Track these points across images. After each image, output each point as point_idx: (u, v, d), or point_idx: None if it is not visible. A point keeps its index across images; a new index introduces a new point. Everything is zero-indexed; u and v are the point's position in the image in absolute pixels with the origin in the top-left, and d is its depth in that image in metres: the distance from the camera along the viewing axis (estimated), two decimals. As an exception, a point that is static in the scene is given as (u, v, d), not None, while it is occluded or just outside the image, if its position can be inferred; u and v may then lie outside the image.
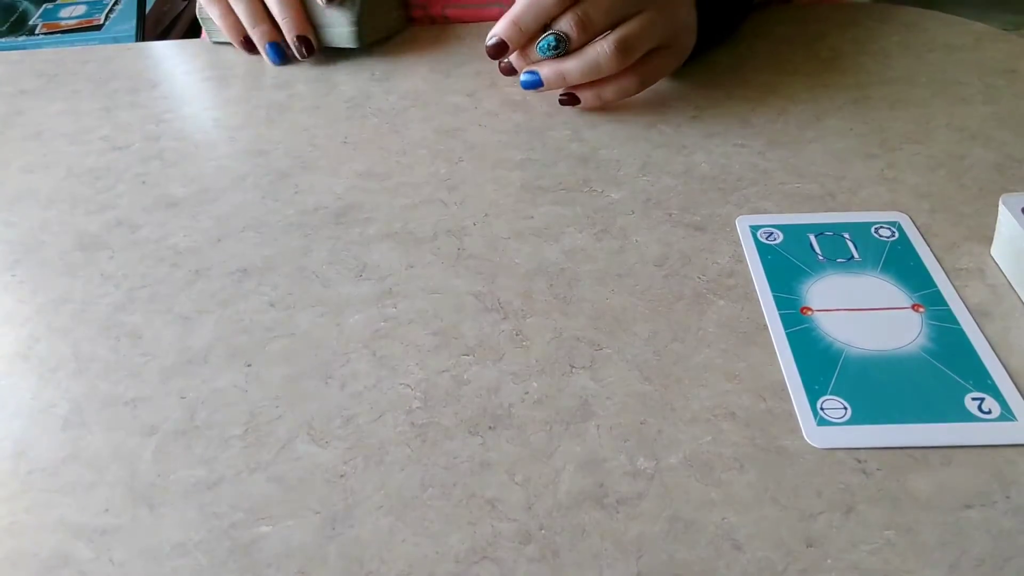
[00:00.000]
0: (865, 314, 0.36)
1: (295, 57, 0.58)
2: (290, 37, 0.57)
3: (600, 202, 0.44)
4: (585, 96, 0.50)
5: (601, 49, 0.47)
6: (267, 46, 0.58)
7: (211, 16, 0.59)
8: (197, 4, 0.61)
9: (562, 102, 0.51)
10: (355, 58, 0.60)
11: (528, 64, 0.50)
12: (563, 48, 0.47)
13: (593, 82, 0.49)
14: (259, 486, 0.31)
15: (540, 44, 0.47)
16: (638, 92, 0.51)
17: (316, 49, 0.57)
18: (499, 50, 0.49)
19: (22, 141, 0.54)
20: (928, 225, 0.41)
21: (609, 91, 0.50)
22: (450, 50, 0.60)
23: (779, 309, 0.37)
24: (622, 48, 0.47)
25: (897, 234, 0.41)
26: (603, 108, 0.52)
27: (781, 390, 0.33)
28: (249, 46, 0.59)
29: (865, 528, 0.28)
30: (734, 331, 0.36)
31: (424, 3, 0.63)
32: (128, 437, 0.33)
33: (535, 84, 0.49)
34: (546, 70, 0.49)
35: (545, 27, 0.48)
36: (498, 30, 0.48)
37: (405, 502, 0.30)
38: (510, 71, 0.51)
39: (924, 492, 0.29)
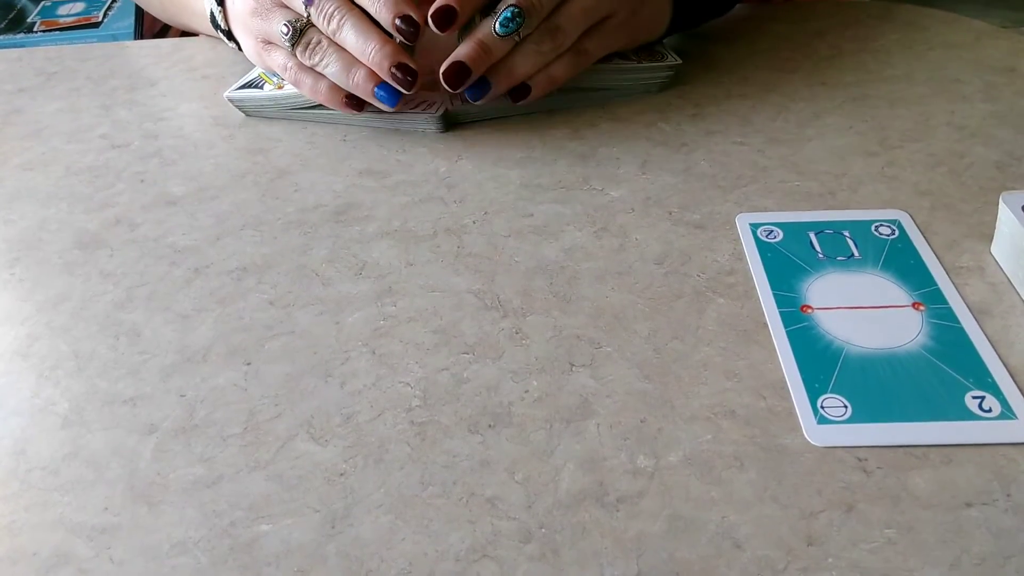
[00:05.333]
0: (865, 312, 0.36)
1: (405, 91, 0.47)
2: (385, 71, 0.46)
3: (600, 200, 0.44)
4: (536, 82, 0.49)
5: (538, 35, 0.47)
6: (376, 90, 0.47)
7: (303, 91, 0.50)
8: (232, 95, 0.54)
9: (515, 99, 0.49)
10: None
11: (478, 50, 0.46)
12: (521, 22, 0.46)
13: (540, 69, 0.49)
14: (259, 484, 0.31)
15: (501, 19, 0.46)
16: (588, 65, 0.50)
17: (418, 75, 0.47)
18: (446, 18, 0.45)
19: (21, 139, 0.54)
20: (928, 223, 0.41)
21: (558, 70, 0.49)
22: (449, 48, 0.60)
23: (779, 307, 0.37)
24: (559, 27, 0.47)
25: (897, 232, 0.41)
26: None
27: (781, 388, 0.33)
28: (353, 103, 0.49)
29: (865, 526, 0.28)
30: (734, 329, 0.36)
31: None
32: (127, 435, 0.33)
33: (484, 92, 0.48)
34: (491, 73, 0.47)
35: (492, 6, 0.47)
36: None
37: (405, 500, 0.30)
38: (458, 73, 0.46)
39: (924, 490, 0.29)
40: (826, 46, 0.58)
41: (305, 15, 0.48)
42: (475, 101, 0.48)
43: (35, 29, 0.88)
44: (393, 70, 0.46)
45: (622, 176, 0.46)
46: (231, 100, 0.54)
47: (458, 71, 0.46)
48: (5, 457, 0.33)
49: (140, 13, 0.87)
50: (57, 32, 0.88)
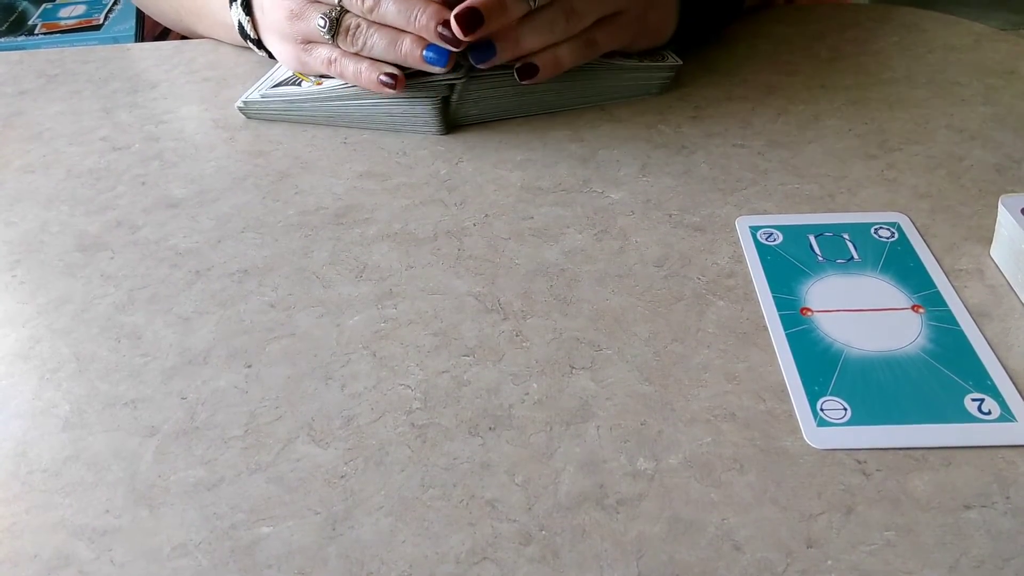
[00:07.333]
0: (865, 315, 0.36)
1: (454, 48, 0.47)
2: (432, 32, 0.46)
3: (600, 202, 0.44)
4: (543, 62, 0.49)
5: (553, 10, 0.47)
6: (424, 54, 0.47)
7: (347, 79, 0.50)
8: (267, 91, 0.53)
9: (521, 77, 0.49)
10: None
11: (496, 6, 0.46)
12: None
13: (547, 49, 0.49)
14: (259, 487, 0.31)
15: None
16: (594, 56, 0.50)
17: (473, 28, 0.46)
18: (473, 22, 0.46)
19: (22, 142, 0.54)
20: (928, 226, 0.41)
21: (565, 53, 0.49)
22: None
23: (779, 310, 0.37)
24: (574, 9, 0.47)
25: (897, 235, 0.41)
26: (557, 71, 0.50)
27: (781, 391, 0.33)
28: (388, 82, 0.49)
29: (865, 529, 0.28)
30: (734, 332, 0.36)
31: None
32: (128, 438, 0.33)
33: (489, 55, 0.48)
34: (499, 40, 0.47)
35: None
36: None
37: (405, 503, 0.30)
38: (470, 18, 0.46)
39: (924, 493, 0.29)
40: (826, 49, 0.58)
41: (337, 3, 0.48)
42: (479, 64, 0.48)
43: (36, 32, 0.88)
44: (440, 29, 0.46)
45: (622, 178, 0.46)
46: (265, 98, 0.53)
47: (469, 15, 0.46)
48: (6, 459, 0.33)
49: (141, 16, 0.87)
50: (58, 35, 0.88)
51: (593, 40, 0.50)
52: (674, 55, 0.53)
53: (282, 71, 0.55)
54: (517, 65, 0.49)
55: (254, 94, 0.53)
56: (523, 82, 0.49)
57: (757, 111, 0.51)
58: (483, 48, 0.48)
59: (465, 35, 0.46)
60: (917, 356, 0.34)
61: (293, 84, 0.53)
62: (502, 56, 0.48)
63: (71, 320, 0.39)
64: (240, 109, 0.54)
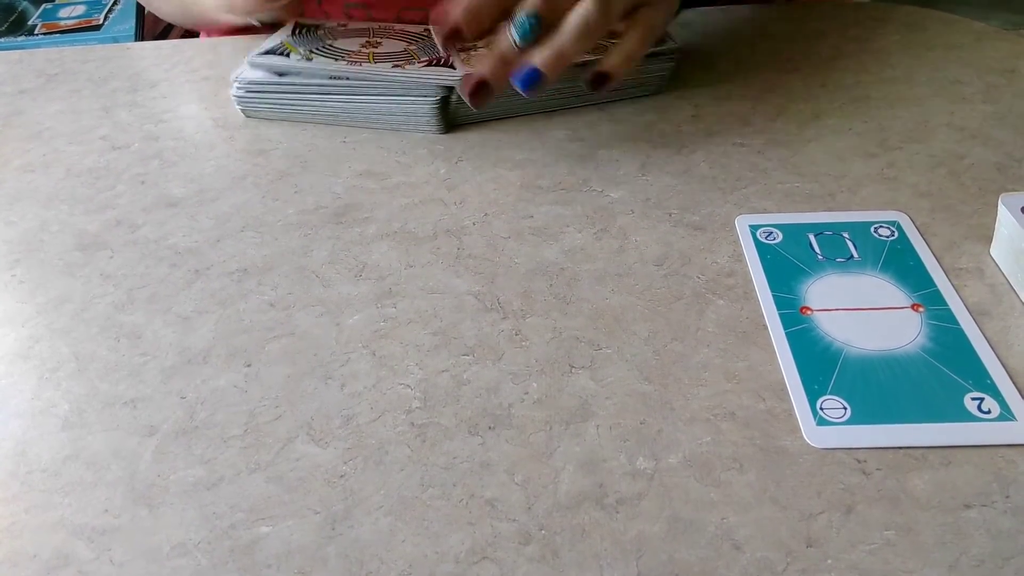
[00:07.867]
0: (864, 314, 0.36)
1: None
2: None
3: (600, 201, 0.44)
4: (613, 64, 0.45)
5: (582, 7, 0.44)
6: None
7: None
8: (253, 60, 0.53)
9: (594, 84, 0.46)
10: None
11: (500, 66, 0.44)
12: (539, 30, 0.43)
13: (608, 51, 0.46)
14: (259, 486, 0.31)
15: (519, 29, 0.43)
16: (646, 50, 0.47)
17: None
18: (454, 37, 0.44)
19: (22, 141, 0.54)
20: (928, 224, 0.41)
21: (632, 45, 0.46)
22: (450, 49, 0.60)
23: (778, 309, 0.37)
24: (608, 3, 0.44)
25: (896, 233, 0.41)
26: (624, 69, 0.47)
27: (781, 390, 0.33)
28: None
29: (865, 528, 0.28)
30: (733, 331, 0.36)
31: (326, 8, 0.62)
32: (128, 437, 0.33)
33: (535, 78, 0.44)
34: (539, 58, 0.43)
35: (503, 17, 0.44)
36: (453, 18, 0.43)
37: (405, 502, 0.30)
38: (479, 90, 0.45)
39: (923, 492, 0.29)
40: (826, 47, 0.58)
41: None
42: (532, 94, 0.45)
43: (36, 32, 0.88)
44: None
45: (622, 178, 0.46)
46: (251, 64, 0.53)
47: (478, 90, 0.44)
48: (6, 459, 0.33)
49: (141, 15, 0.87)
50: (58, 35, 0.88)
51: (641, 21, 0.46)
52: (672, 37, 0.53)
53: (270, 42, 0.54)
54: (587, 77, 0.46)
55: (244, 69, 0.53)
56: (599, 90, 0.46)
57: (757, 110, 0.51)
58: (529, 76, 0.44)
59: (477, 107, 0.45)
60: (917, 355, 0.34)
61: (281, 54, 0.53)
62: (551, 75, 0.44)
63: (70, 319, 0.39)
64: (237, 102, 0.54)
